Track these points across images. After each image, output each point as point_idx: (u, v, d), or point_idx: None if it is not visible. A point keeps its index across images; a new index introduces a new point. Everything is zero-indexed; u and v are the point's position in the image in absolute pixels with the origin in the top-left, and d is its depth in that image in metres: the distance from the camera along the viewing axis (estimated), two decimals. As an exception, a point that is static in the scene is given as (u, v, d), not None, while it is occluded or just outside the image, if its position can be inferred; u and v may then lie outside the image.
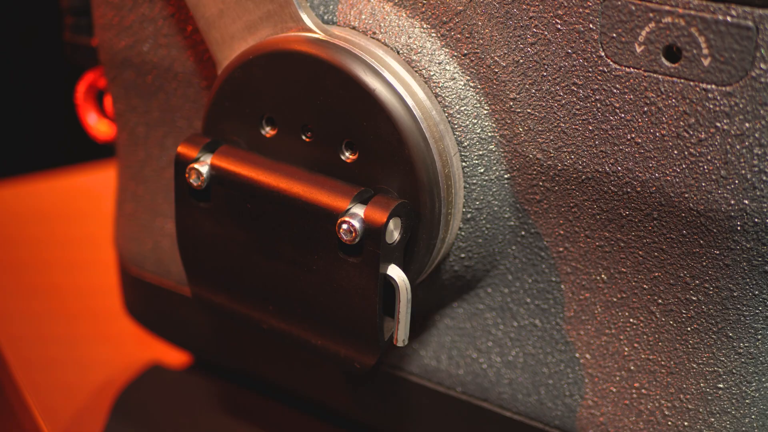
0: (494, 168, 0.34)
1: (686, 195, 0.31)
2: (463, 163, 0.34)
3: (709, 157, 0.30)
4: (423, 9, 0.34)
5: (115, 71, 0.41)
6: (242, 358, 0.43)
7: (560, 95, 0.32)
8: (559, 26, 0.31)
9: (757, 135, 0.29)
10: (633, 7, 0.30)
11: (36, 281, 0.54)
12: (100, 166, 0.66)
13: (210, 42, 0.36)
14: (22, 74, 0.82)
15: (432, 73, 0.34)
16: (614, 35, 0.31)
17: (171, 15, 0.38)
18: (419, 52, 0.34)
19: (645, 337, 0.34)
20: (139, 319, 0.46)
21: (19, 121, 0.83)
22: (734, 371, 0.33)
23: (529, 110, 0.33)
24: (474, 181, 0.34)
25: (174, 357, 0.47)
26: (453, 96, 0.34)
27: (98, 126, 0.45)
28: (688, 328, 0.33)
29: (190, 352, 0.46)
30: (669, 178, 0.31)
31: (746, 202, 0.30)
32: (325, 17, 0.35)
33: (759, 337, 0.32)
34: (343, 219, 0.32)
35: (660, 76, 0.30)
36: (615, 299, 0.34)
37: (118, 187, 0.44)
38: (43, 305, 0.52)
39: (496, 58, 0.33)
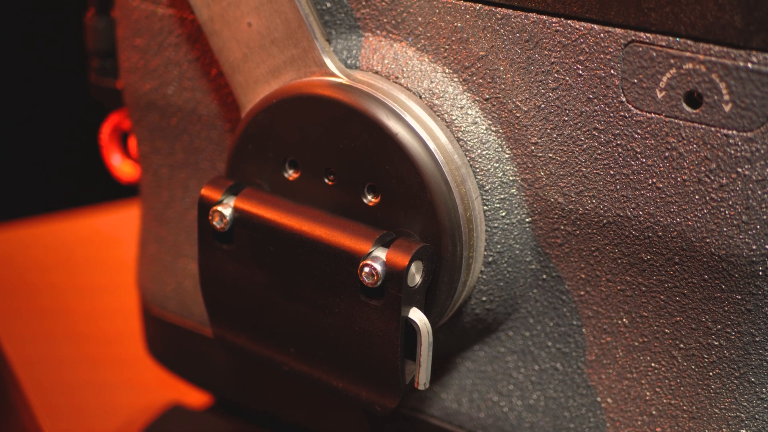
0: (516, 212, 0.34)
1: (708, 240, 0.31)
2: (485, 207, 0.34)
3: (730, 203, 0.30)
4: (445, 54, 0.34)
5: (140, 113, 0.41)
6: (263, 399, 0.43)
7: (581, 140, 0.32)
8: (580, 72, 0.32)
9: (778, 181, 0.29)
10: (654, 53, 0.30)
11: (58, 327, 0.54)
12: (122, 206, 0.67)
13: (234, 85, 0.36)
14: (46, 114, 0.83)
15: (454, 118, 0.34)
16: (635, 81, 0.31)
17: (196, 59, 0.39)
18: (441, 97, 0.34)
19: (667, 381, 0.34)
20: (161, 360, 0.46)
21: (43, 161, 0.84)
22: (757, 416, 0.33)
23: (550, 154, 0.33)
24: (495, 225, 0.34)
25: (195, 397, 0.48)
26: (475, 140, 0.34)
27: (122, 167, 0.45)
28: (710, 373, 0.33)
29: (211, 393, 0.46)
30: (690, 223, 0.31)
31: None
32: (348, 62, 0.35)
33: (781, 382, 0.32)
34: (365, 262, 0.32)
35: (681, 122, 0.30)
36: (637, 343, 0.34)
37: (141, 227, 0.44)
38: (66, 351, 0.52)
39: (517, 102, 0.33)
